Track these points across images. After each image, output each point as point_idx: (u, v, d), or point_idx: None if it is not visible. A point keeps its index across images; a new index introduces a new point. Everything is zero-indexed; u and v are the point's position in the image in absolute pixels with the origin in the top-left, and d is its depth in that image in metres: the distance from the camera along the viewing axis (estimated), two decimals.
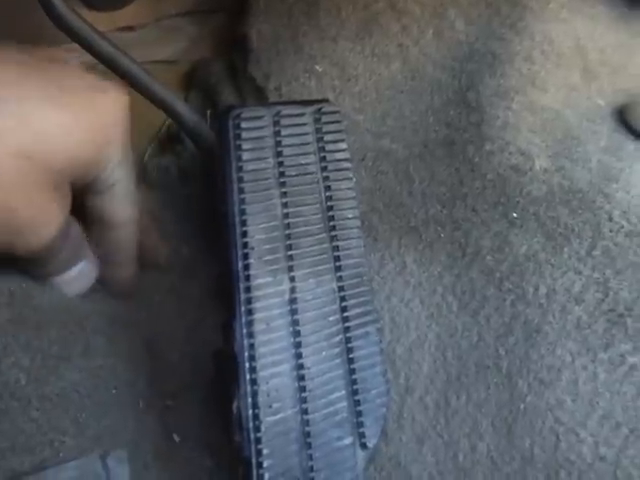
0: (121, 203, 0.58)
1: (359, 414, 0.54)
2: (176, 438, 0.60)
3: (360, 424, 0.54)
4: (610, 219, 0.59)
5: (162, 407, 0.60)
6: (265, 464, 0.48)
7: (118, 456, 0.54)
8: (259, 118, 0.54)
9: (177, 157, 0.73)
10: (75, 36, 0.57)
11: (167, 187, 0.74)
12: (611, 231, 0.59)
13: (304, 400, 0.51)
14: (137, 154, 0.73)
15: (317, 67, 0.73)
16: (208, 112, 0.72)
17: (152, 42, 0.72)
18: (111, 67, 0.57)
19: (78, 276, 0.59)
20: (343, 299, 0.55)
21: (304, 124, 0.57)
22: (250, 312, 0.50)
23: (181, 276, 0.70)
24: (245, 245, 0.52)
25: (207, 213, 0.68)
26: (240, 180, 0.52)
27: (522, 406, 0.57)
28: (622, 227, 0.59)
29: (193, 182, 0.72)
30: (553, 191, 0.62)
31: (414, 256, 0.65)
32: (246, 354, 0.50)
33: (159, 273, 0.68)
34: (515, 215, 0.62)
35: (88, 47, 0.57)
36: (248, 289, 0.51)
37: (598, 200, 0.60)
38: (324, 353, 0.53)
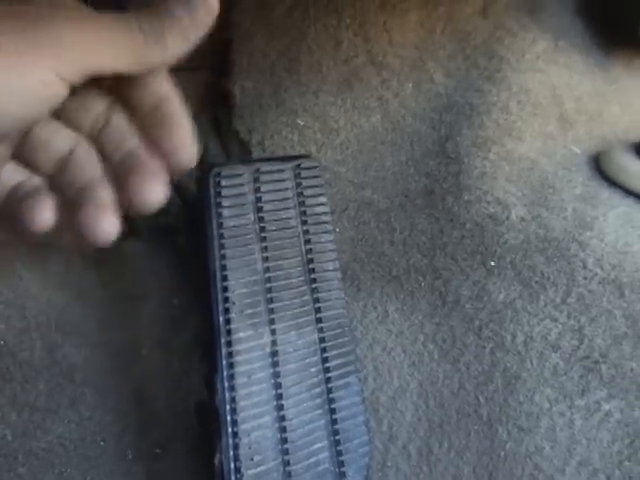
0: None
1: (341, 464, 0.55)
2: None
3: (342, 474, 0.54)
4: (584, 267, 0.61)
5: (150, 456, 0.61)
6: None
7: None
8: (239, 176, 0.56)
9: (163, 210, 0.74)
10: None
11: (155, 239, 0.75)
12: (585, 278, 0.60)
13: (286, 452, 0.52)
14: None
15: (299, 121, 0.74)
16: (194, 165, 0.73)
17: None
18: None
19: None
20: (324, 350, 0.56)
21: (284, 180, 0.58)
22: (231, 366, 0.51)
23: (169, 327, 0.71)
24: (226, 300, 0.53)
25: (195, 265, 0.69)
26: (221, 236, 0.54)
27: (502, 453, 0.57)
28: (596, 275, 0.60)
29: (180, 234, 0.74)
30: (529, 240, 0.63)
31: (396, 305, 0.66)
32: (227, 407, 0.51)
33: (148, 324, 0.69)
34: (493, 264, 0.64)
35: None
36: (229, 343, 0.52)
37: (573, 248, 0.62)
38: (306, 404, 0.54)
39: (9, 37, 0.38)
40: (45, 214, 0.40)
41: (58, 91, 0.37)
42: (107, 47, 0.42)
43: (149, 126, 0.45)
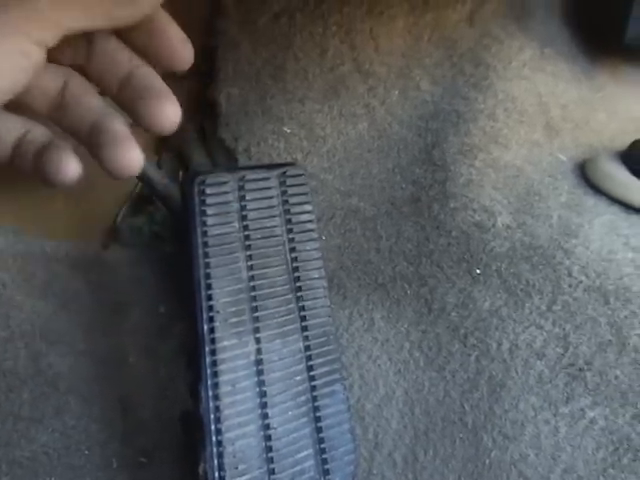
0: None
1: (327, 472, 0.54)
2: None
3: None
4: (569, 274, 0.61)
5: (135, 465, 0.61)
6: None
7: None
8: (224, 184, 0.55)
9: (149, 218, 0.75)
10: None
11: (140, 247, 0.75)
12: (570, 286, 0.60)
13: (271, 460, 0.52)
14: (110, 215, 0.74)
15: (285, 129, 0.74)
16: (180, 174, 0.73)
17: None
18: None
19: None
20: (309, 358, 0.56)
21: (269, 188, 0.58)
22: (216, 375, 0.51)
23: (156, 334, 0.70)
24: (210, 308, 0.53)
25: (181, 272, 0.69)
26: (205, 245, 0.54)
27: (487, 461, 0.57)
28: (581, 282, 0.60)
29: (166, 242, 0.74)
30: (515, 247, 0.63)
31: (382, 313, 0.66)
32: (212, 416, 0.50)
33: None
34: (478, 271, 0.64)
35: None
36: (214, 352, 0.52)
37: (558, 256, 0.62)
38: (290, 413, 0.54)
39: None
40: (72, 165, 0.39)
41: (37, 58, 0.36)
42: (79, 6, 0.41)
43: (140, 40, 0.41)
